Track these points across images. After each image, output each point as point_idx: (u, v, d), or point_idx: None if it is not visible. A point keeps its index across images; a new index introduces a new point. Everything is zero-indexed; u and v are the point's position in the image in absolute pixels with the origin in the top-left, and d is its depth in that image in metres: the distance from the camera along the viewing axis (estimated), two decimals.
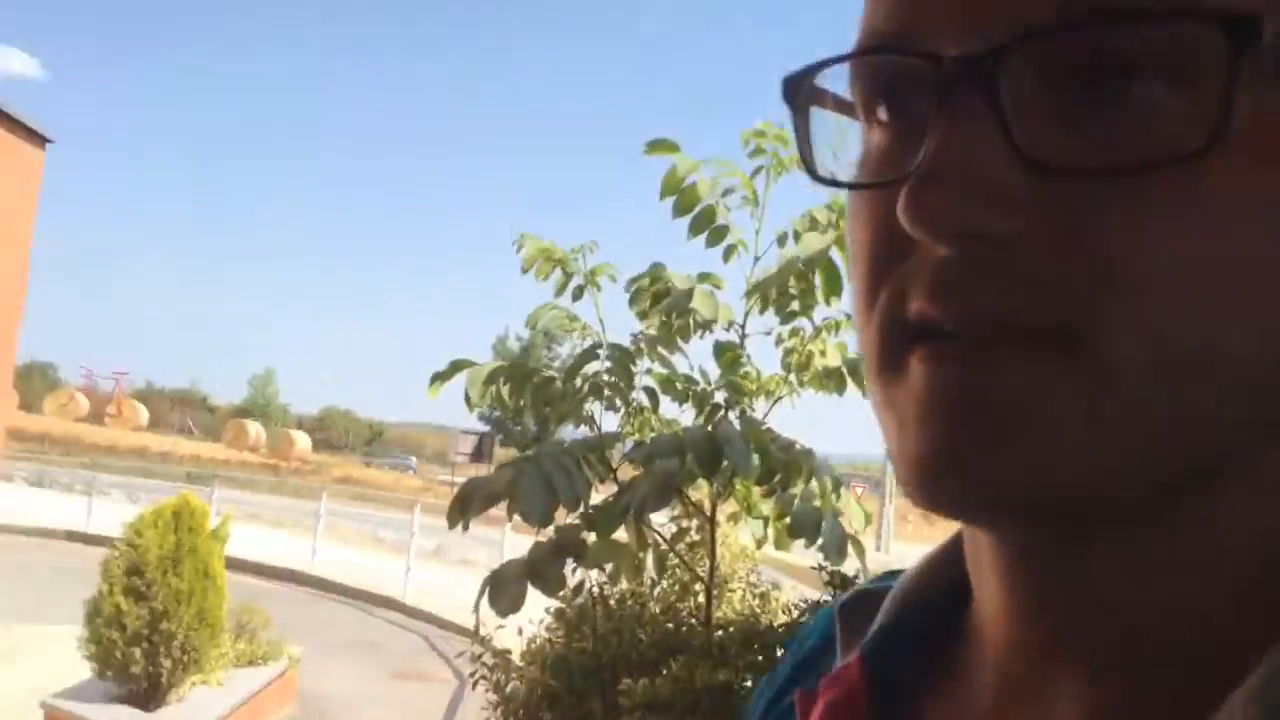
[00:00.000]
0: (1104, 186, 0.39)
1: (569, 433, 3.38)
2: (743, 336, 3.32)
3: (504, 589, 2.65)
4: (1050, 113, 0.40)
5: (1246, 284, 0.40)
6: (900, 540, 27.94)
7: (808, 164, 0.47)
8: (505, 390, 3.10)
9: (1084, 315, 0.39)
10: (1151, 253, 0.39)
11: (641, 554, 2.91)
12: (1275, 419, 0.42)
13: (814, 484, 2.93)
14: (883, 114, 0.44)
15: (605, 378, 3.19)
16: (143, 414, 64.21)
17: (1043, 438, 0.40)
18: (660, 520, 3.52)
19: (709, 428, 2.97)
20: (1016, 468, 0.40)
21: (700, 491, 3.42)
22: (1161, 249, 0.39)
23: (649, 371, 3.30)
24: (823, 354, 3.28)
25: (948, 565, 0.56)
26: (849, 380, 3.26)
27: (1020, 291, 0.40)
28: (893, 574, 0.61)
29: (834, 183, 0.47)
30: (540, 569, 2.70)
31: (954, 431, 0.41)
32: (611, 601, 4.07)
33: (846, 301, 2.99)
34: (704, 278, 3.24)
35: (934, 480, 0.42)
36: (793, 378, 3.32)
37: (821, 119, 0.48)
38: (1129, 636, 0.44)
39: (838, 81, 0.47)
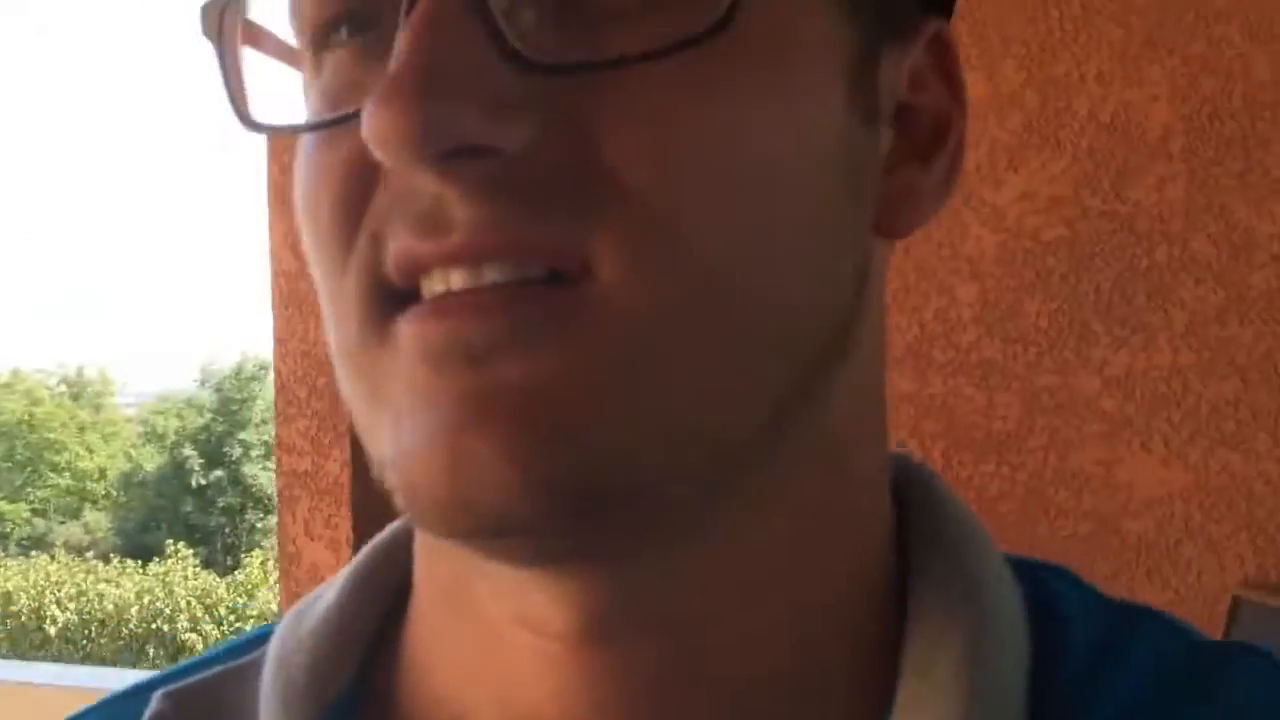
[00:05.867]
0: (607, 85, 0.33)
1: None
2: None
3: None
4: (538, 4, 0.34)
5: (772, 190, 0.35)
6: None
7: (240, 110, 0.38)
8: None
9: (598, 232, 0.33)
10: (665, 149, 0.33)
11: None
12: (832, 335, 0.38)
13: None
14: (341, 36, 0.37)
15: None
16: None
17: (575, 404, 0.33)
18: None
19: None
20: (549, 459, 0.33)
21: None
22: (675, 148, 0.34)
23: None
24: None
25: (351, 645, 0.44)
26: None
27: (529, 209, 0.33)
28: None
29: (279, 129, 0.40)
30: None
31: (464, 422, 0.33)
32: None
33: None
34: None
35: (450, 501, 0.34)
36: None
37: (255, 61, 0.39)
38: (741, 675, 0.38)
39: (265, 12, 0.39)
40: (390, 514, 1.62)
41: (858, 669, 0.39)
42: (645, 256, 0.33)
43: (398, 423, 0.35)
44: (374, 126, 0.32)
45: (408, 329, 0.35)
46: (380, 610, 0.45)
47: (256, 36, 0.40)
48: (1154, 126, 1.62)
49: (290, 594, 1.92)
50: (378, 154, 0.33)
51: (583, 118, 0.33)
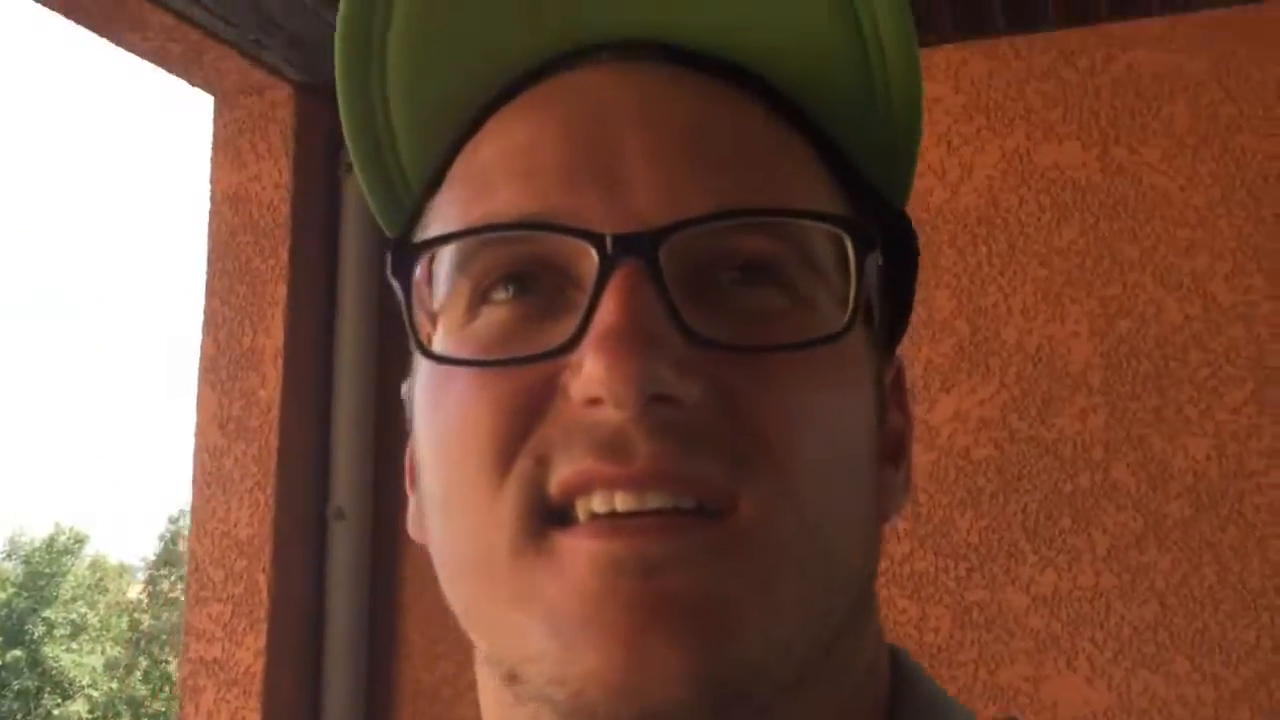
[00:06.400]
0: (753, 363, 0.43)
1: None
2: None
3: None
4: (702, 294, 0.44)
5: (857, 447, 0.46)
6: None
7: (419, 340, 0.47)
8: None
9: (744, 476, 0.42)
10: (794, 419, 0.43)
11: None
12: (866, 582, 0.48)
13: None
14: (502, 294, 0.45)
15: None
16: None
17: (730, 612, 0.41)
18: None
19: None
20: (715, 655, 0.40)
21: None
22: (802, 416, 0.44)
23: None
24: None
25: None
26: None
27: (693, 450, 0.41)
28: None
29: (454, 361, 0.46)
30: None
31: (644, 624, 0.40)
32: None
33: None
34: None
35: (625, 689, 0.40)
36: None
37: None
38: None
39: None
40: (305, 709, 1.58)
41: None
42: (777, 502, 0.43)
43: (560, 623, 0.41)
44: (598, 369, 0.41)
45: (581, 544, 0.41)
46: None
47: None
48: (1075, 360, 1.74)
49: None
50: (595, 391, 0.41)
51: (735, 384, 0.43)
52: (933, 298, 1.81)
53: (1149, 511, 1.68)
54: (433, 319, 0.48)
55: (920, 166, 1.91)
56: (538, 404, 0.43)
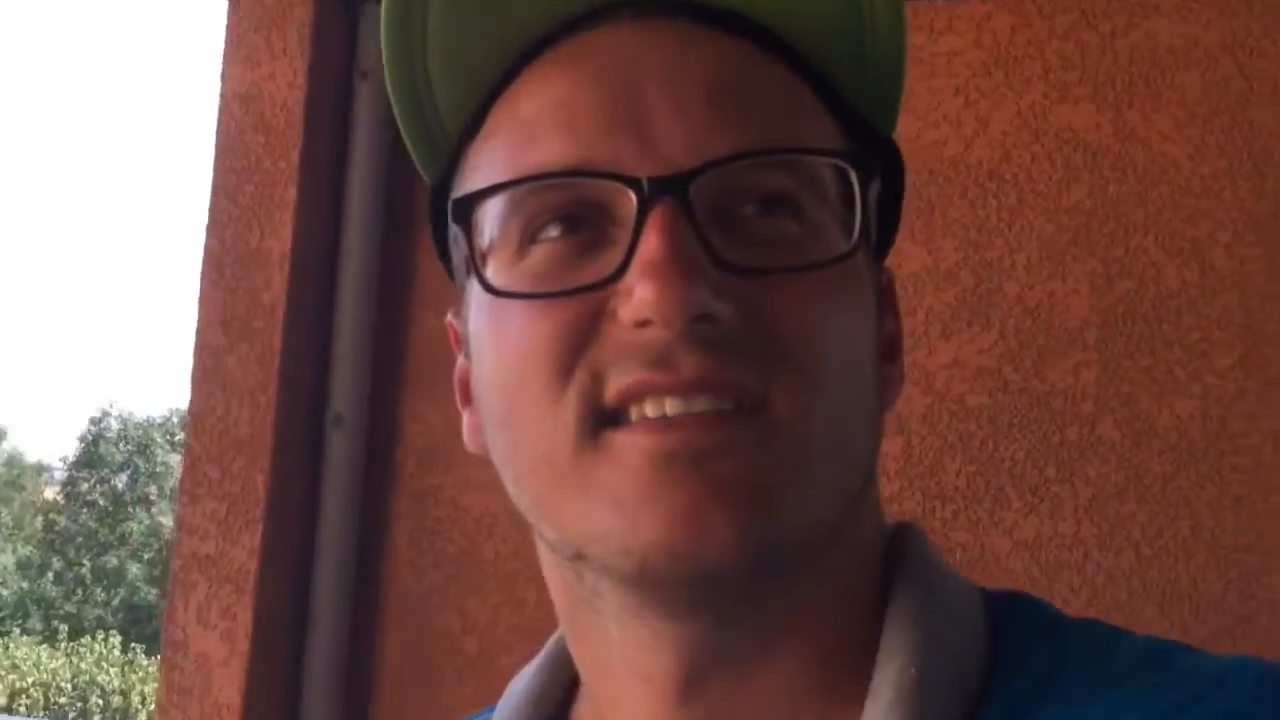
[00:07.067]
0: (777, 282, 0.50)
1: None
2: None
3: None
4: (728, 225, 0.51)
5: (864, 350, 0.54)
6: None
7: (482, 277, 0.53)
8: None
9: (773, 379, 0.50)
10: (812, 330, 0.51)
11: None
12: (872, 463, 0.56)
13: None
14: (552, 232, 0.52)
15: None
16: None
17: (769, 492, 0.49)
18: None
19: None
20: (759, 526, 0.48)
21: None
22: (819, 327, 0.51)
23: None
24: None
25: (551, 691, 0.61)
26: None
27: (730, 360, 0.49)
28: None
29: (518, 295, 0.52)
30: None
31: (699, 501, 0.47)
32: None
33: None
34: None
35: (687, 554, 0.47)
36: None
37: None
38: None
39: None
40: (294, 610, 1.63)
41: (855, 666, 0.54)
42: (803, 398, 0.50)
43: (623, 504, 0.48)
44: (648, 295, 0.47)
45: (637, 439, 0.49)
46: (564, 684, 0.61)
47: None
48: (1073, 317, 1.80)
49: (171, 685, 1.81)
50: (645, 313, 0.47)
51: (761, 302, 0.50)
52: (940, 247, 1.85)
53: (1132, 466, 1.75)
54: (482, 257, 0.54)
55: (936, 117, 1.94)
56: (590, 327, 0.50)
